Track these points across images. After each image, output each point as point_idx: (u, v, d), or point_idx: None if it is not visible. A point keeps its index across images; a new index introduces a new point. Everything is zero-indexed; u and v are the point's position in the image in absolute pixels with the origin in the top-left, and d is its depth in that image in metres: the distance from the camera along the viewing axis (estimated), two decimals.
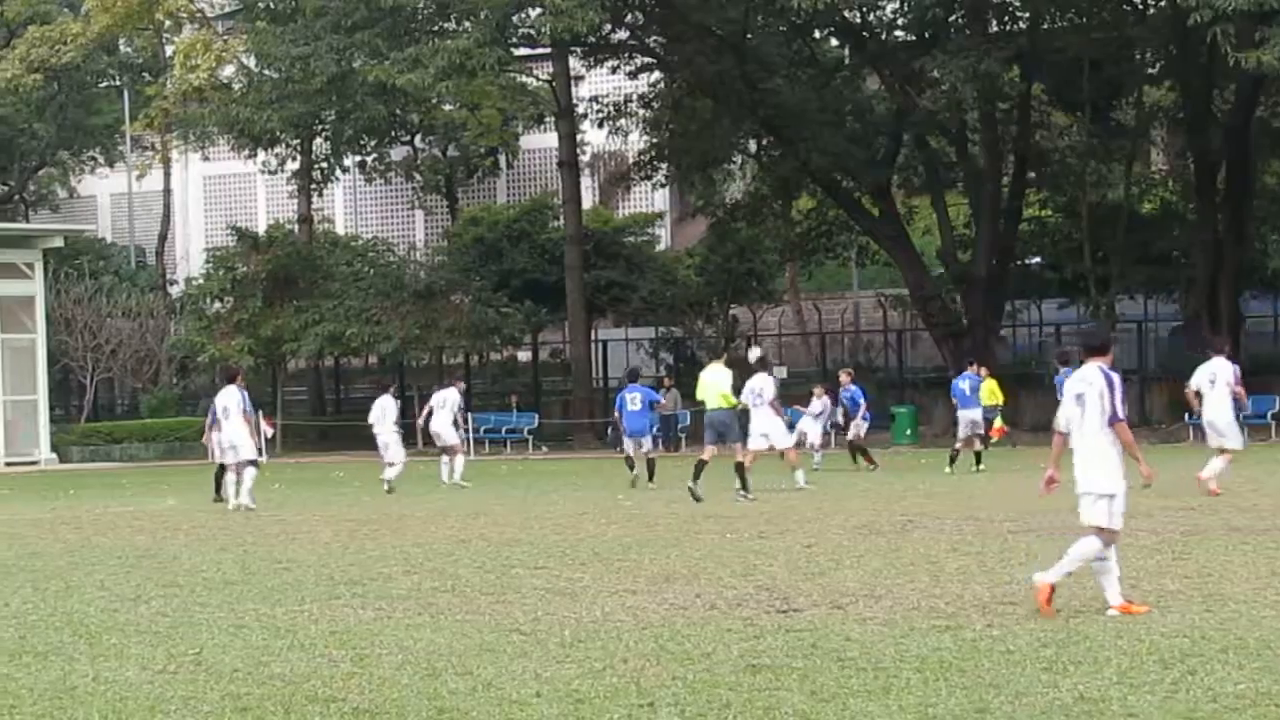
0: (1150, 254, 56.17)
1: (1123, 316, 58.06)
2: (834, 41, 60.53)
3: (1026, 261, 59.54)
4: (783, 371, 50.82)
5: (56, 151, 76.86)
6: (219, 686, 11.61)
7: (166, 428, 59.83)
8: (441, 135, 71.11)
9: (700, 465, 29.20)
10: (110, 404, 69.82)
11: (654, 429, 55.64)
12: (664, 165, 62.44)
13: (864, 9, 54.90)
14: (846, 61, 59.88)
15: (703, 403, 30.43)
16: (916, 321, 60.89)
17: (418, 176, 73.06)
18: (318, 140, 65.64)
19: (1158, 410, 53.89)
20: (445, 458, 37.11)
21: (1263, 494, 25.36)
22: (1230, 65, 46.47)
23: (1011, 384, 57.19)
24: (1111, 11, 54.07)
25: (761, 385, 30.91)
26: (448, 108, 65.41)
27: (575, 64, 62.70)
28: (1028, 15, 54.61)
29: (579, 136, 63.73)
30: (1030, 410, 56.77)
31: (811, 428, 39.22)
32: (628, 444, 35.05)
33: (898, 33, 57.08)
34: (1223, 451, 26.46)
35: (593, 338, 63.93)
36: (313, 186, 68.01)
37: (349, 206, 79.55)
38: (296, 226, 67.19)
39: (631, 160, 64.34)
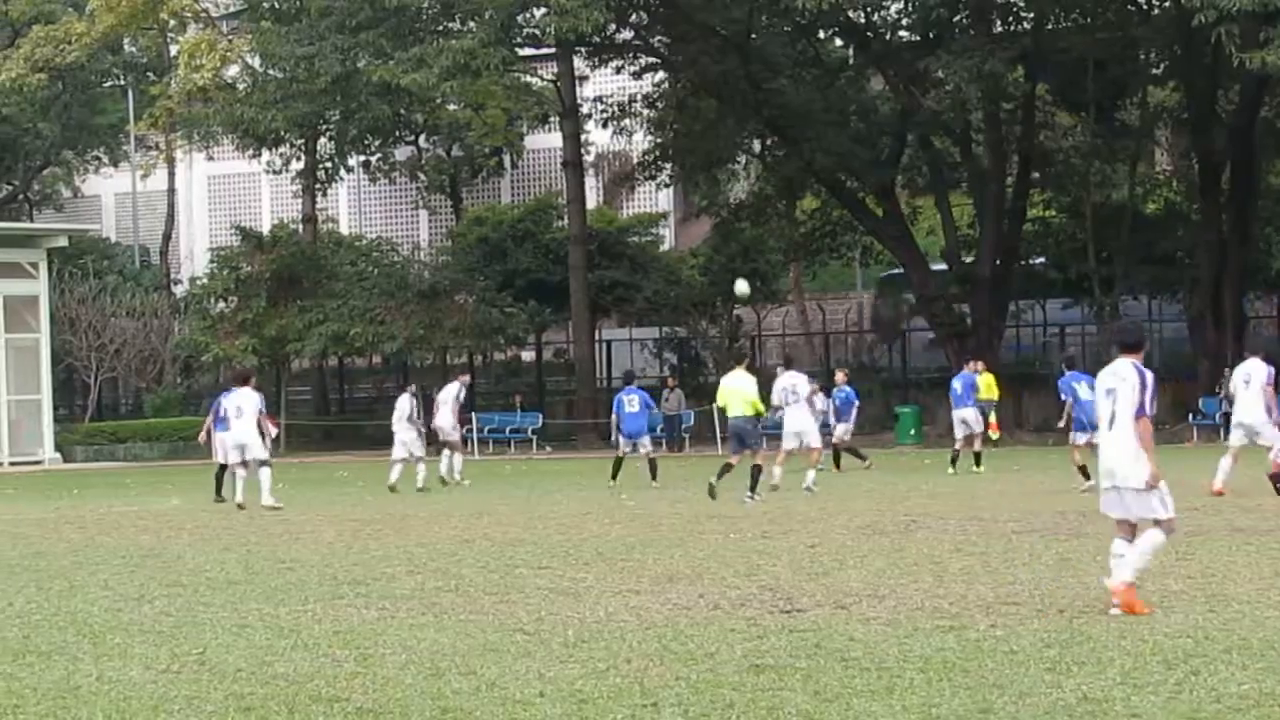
0: (1154, 254, 56.15)
1: (1126, 317, 58.01)
2: (838, 42, 60.53)
3: (1030, 261, 59.52)
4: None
5: (61, 151, 76.87)
6: (223, 686, 11.61)
7: (170, 427, 59.85)
8: (446, 135, 71.09)
9: (726, 468, 29.17)
10: (114, 403, 69.84)
11: (658, 429, 56.08)
12: (668, 165, 62.43)
13: (868, 9, 54.89)
14: (851, 62, 59.89)
15: (723, 409, 30.09)
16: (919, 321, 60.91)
17: (422, 176, 73.04)
18: (322, 140, 65.66)
19: (1161, 410, 53.80)
20: (446, 451, 37.10)
21: (1266, 494, 25.33)
22: (1235, 65, 46.48)
23: (1015, 384, 57.27)
24: (1116, 12, 54.07)
25: (795, 383, 31.22)
26: (452, 107, 65.39)
27: (580, 64, 62.68)
28: (1032, 15, 54.61)
29: (583, 136, 63.76)
30: (1033, 410, 56.80)
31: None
32: (624, 445, 35.01)
33: (902, 33, 57.07)
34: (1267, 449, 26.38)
35: (597, 338, 63.95)
36: (317, 186, 68.01)
37: (353, 206, 79.55)
38: (301, 226, 67.20)
39: (636, 160, 64.35)
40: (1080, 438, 28.90)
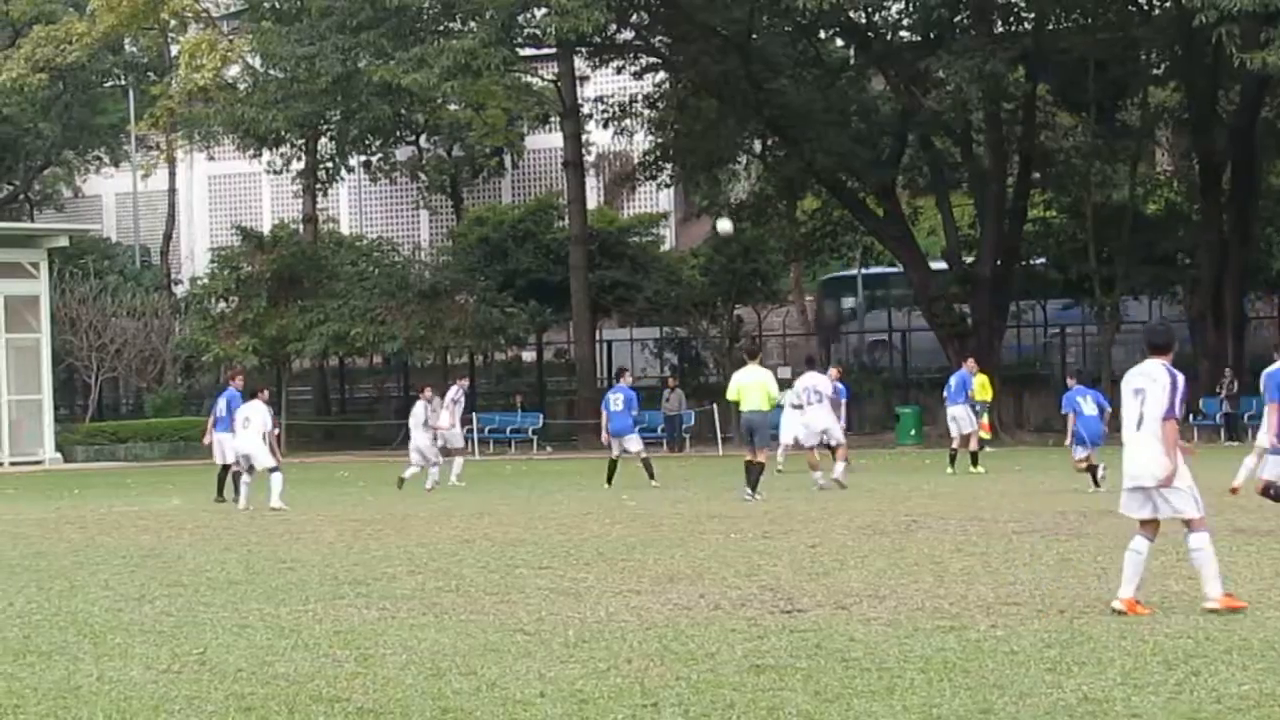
0: (1155, 255, 56.16)
1: (1127, 317, 58.03)
2: (839, 42, 60.56)
3: (1031, 262, 59.54)
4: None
5: (61, 151, 76.89)
6: (223, 686, 11.61)
7: (171, 427, 59.86)
8: (446, 135, 71.12)
9: (751, 466, 29.16)
10: (115, 403, 69.86)
11: (658, 429, 56.09)
12: (669, 165, 62.44)
13: (869, 9, 54.89)
14: (852, 62, 59.93)
15: (736, 403, 30.09)
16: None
17: (423, 176, 73.07)
18: (323, 140, 65.68)
19: None
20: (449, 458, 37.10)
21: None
22: (1235, 66, 46.50)
23: (1015, 384, 57.32)
24: (1117, 12, 54.10)
25: (816, 383, 31.62)
26: (453, 107, 65.41)
27: (580, 64, 62.71)
28: (1033, 16, 54.64)
29: (584, 136, 63.78)
30: (1034, 411, 56.88)
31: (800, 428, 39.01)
32: (614, 445, 34.97)
33: (903, 33, 57.08)
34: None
35: (597, 338, 63.97)
36: (318, 186, 68.04)
37: (354, 206, 79.58)
38: (301, 226, 67.23)
39: (636, 160, 64.36)
40: (1080, 452, 28.94)
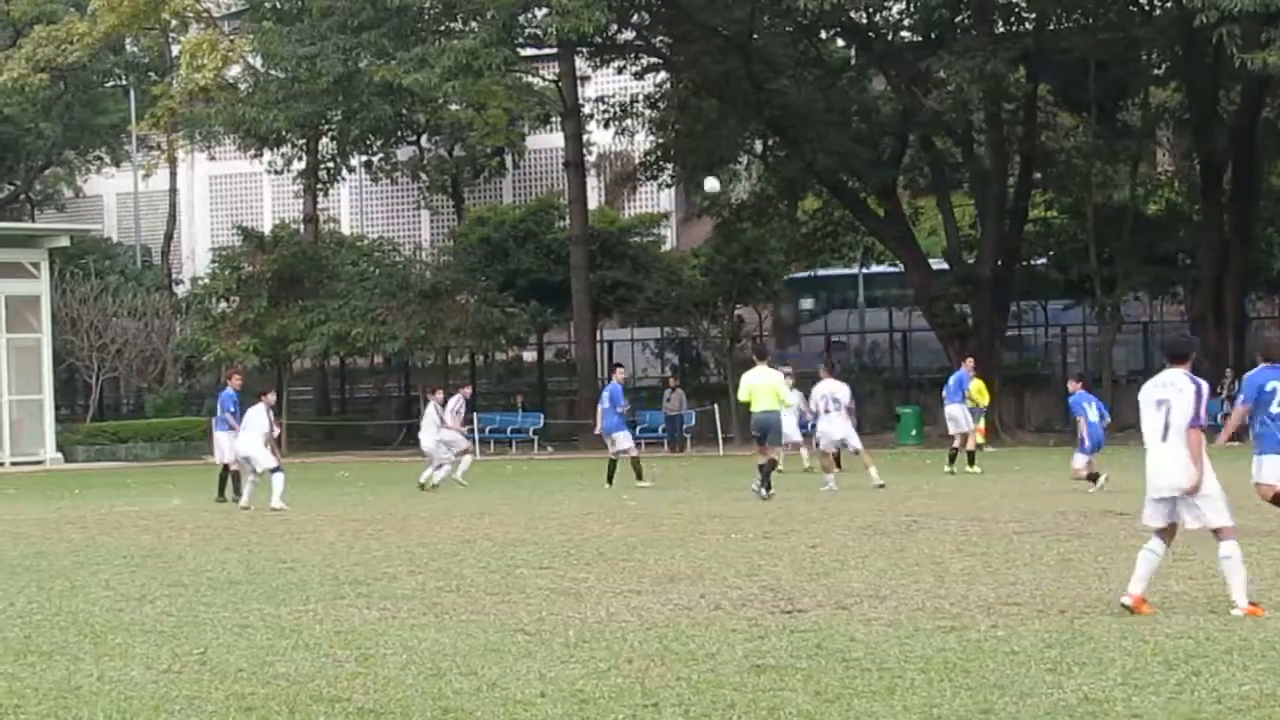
0: (1155, 255, 56.14)
1: (1127, 318, 58.05)
2: (840, 42, 60.56)
3: (1032, 262, 59.54)
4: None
5: (62, 151, 76.87)
6: (224, 686, 11.61)
7: (172, 427, 59.85)
8: (447, 135, 71.10)
9: (771, 465, 29.18)
10: (115, 404, 69.87)
11: (658, 429, 56.11)
12: (670, 165, 62.42)
13: (870, 9, 54.88)
14: (852, 62, 59.92)
15: (747, 404, 30.10)
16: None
17: (424, 176, 73.05)
18: (324, 140, 65.65)
19: None
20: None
21: None
22: (1236, 66, 46.49)
23: (1016, 385, 57.32)
24: (1118, 12, 54.09)
25: (834, 390, 31.95)
26: (454, 108, 65.39)
27: (581, 64, 62.69)
28: (1034, 16, 54.63)
29: (585, 137, 63.77)
30: (1034, 411, 56.89)
31: (794, 428, 38.97)
32: (608, 444, 35.03)
33: (904, 33, 57.07)
34: None
35: (598, 338, 63.97)
36: (319, 186, 68.02)
37: (355, 206, 79.57)
38: (302, 226, 67.23)
39: (637, 160, 64.35)
40: (1080, 460, 28.93)
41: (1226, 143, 54.60)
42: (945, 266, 58.28)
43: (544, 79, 64.93)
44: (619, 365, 39.76)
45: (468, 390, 41.46)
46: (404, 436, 62.22)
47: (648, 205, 73.46)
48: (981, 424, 41.30)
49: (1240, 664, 11.53)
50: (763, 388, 29.49)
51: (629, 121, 62.10)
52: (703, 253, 64.03)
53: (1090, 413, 29.09)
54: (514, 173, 76.61)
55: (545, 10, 52.10)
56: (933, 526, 22.45)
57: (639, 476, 34.00)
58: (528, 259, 63.19)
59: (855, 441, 32.80)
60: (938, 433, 50.59)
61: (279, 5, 57.85)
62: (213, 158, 76.47)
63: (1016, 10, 55.47)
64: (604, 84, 66.13)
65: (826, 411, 32.35)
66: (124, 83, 75.79)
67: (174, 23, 68.39)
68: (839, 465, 34.69)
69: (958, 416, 37.15)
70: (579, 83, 62.82)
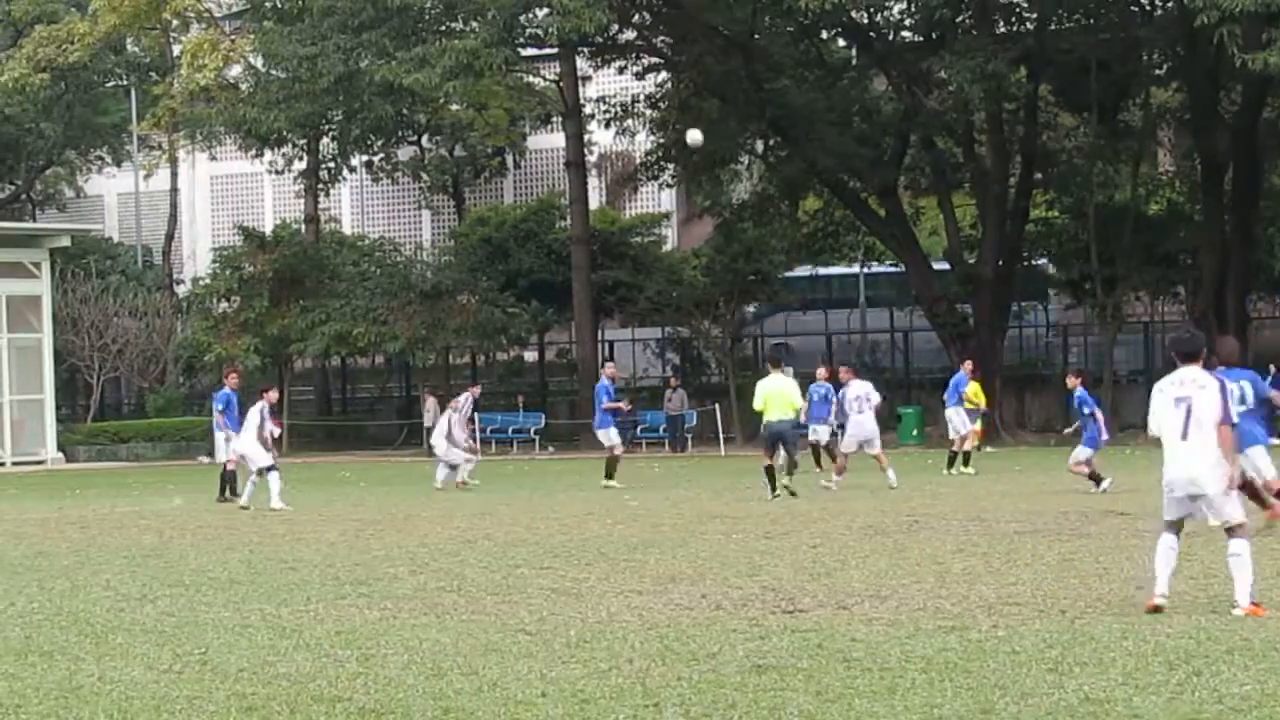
0: (1157, 255, 56.11)
1: (1129, 318, 58.02)
2: (841, 42, 60.53)
3: (1033, 262, 59.52)
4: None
5: (63, 151, 76.86)
6: (225, 686, 11.61)
7: (173, 427, 59.88)
8: (448, 135, 71.08)
9: (771, 471, 29.18)
10: (116, 403, 69.87)
11: (661, 428, 56.10)
12: (671, 165, 62.39)
13: (871, 10, 54.87)
14: (853, 62, 59.89)
15: (761, 412, 30.00)
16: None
17: (424, 176, 73.01)
18: (325, 140, 65.60)
19: None
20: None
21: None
22: (1237, 66, 46.47)
23: (1017, 385, 57.29)
24: (1119, 12, 54.09)
25: (866, 391, 32.18)
26: (455, 107, 65.37)
27: (582, 64, 62.66)
28: (1035, 16, 54.63)
29: (586, 137, 63.74)
30: (1035, 411, 56.84)
31: None
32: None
33: (905, 33, 57.07)
34: None
35: (599, 338, 63.93)
36: (319, 186, 68.00)
37: (356, 206, 79.54)
38: (303, 226, 67.21)
39: (638, 160, 64.32)
40: (1085, 454, 28.88)
41: (1228, 143, 54.57)
42: (946, 266, 58.27)
43: (545, 79, 64.91)
44: (608, 362, 39.71)
45: (477, 389, 41.42)
46: (405, 436, 62.28)
47: (649, 205, 73.45)
48: (978, 426, 41.28)
49: (1241, 664, 11.52)
50: (777, 395, 29.50)
51: (630, 121, 62.09)
52: (704, 253, 64.02)
53: (1097, 411, 29.22)
54: (515, 173, 76.58)
55: (546, 10, 52.08)
56: (934, 526, 22.45)
57: (608, 475, 34.02)
58: (529, 259, 63.19)
59: (878, 443, 33.14)
60: (939, 433, 50.65)
61: (280, 5, 57.83)
62: (214, 158, 76.41)
63: (1017, 10, 55.45)
64: (605, 84, 66.10)
65: (860, 411, 32.57)
66: (125, 83, 75.76)
67: (175, 22, 68.40)
68: (819, 465, 34.69)
69: (953, 419, 37.38)
70: (580, 83, 62.80)
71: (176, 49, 69.47)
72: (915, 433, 53.30)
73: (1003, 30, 54.54)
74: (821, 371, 38.46)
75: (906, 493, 29.87)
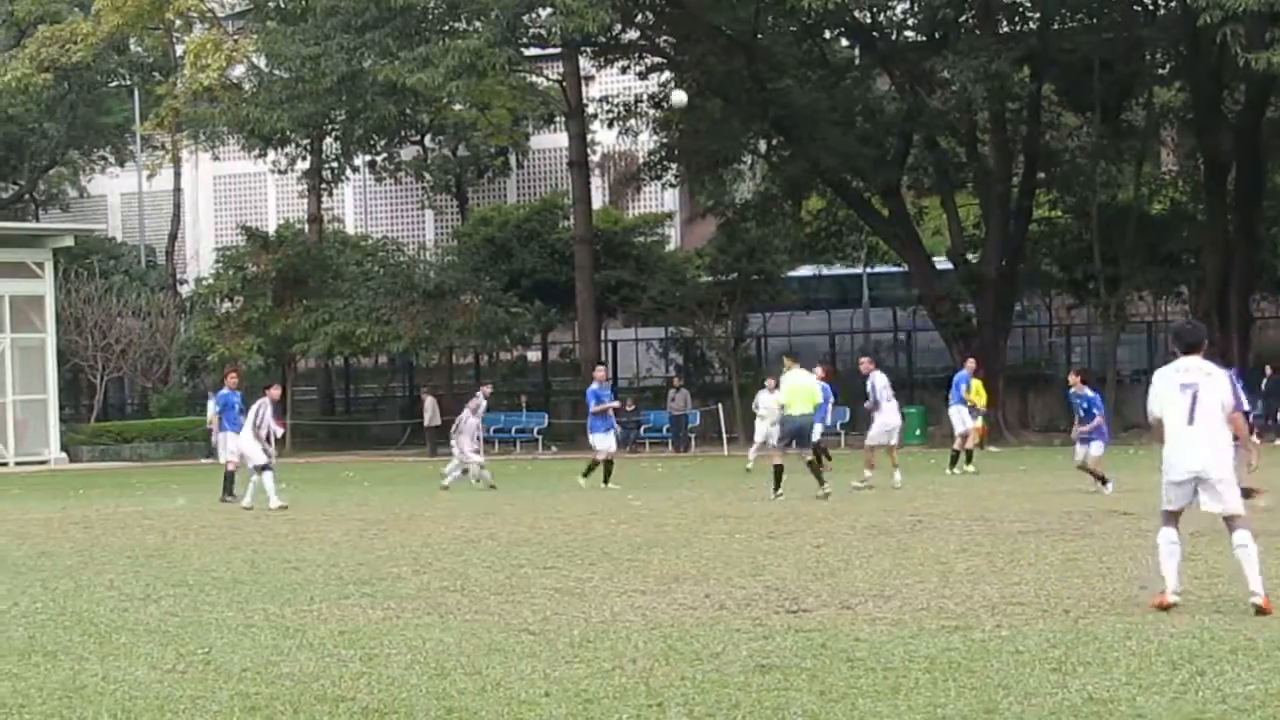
0: (1160, 255, 56.16)
1: (1132, 318, 58.01)
2: (844, 42, 60.58)
3: (1036, 260, 59.56)
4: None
5: (67, 151, 76.91)
6: (228, 686, 11.61)
7: (176, 427, 59.90)
8: (451, 135, 71.13)
9: (780, 471, 29.11)
10: (120, 403, 69.93)
11: (664, 429, 56.08)
12: (674, 165, 62.44)
13: (874, 9, 54.89)
14: (856, 62, 59.91)
15: (785, 405, 29.89)
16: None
17: (428, 176, 73.07)
18: (328, 140, 65.68)
19: None
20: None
21: (1273, 495, 25.27)
22: (1240, 66, 46.50)
23: (1020, 385, 57.30)
24: (1121, 12, 54.10)
25: (888, 382, 32.37)
26: (458, 107, 65.42)
27: (585, 64, 62.72)
28: (1038, 15, 54.66)
29: (589, 136, 63.77)
30: (1038, 411, 56.84)
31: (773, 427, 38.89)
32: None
33: (908, 33, 57.11)
34: None
35: (602, 338, 63.97)
36: (323, 186, 68.05)
37: (359, 206, 79.60)
38: (306, 226, 67.26)
39: (641, 160, 64.36)
40: (1100, 448, 28.92)
41: (1231, 142, 54.59)
42: (949, 266, 58.29)
43: (548, 79, 64.95)
44: (599, 365, 39.55)
45: (487, 388, 41.38)
46: (408, 436, 62.30)
47: (652, 205, 73.48)
48: (979, 423, 41.25)
49: (1245, 663, 11.52)
50: (800, 390, 29.57)
51: (633, 121, 62.12)
52: (707, 252, 64.05)
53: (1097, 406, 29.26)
54: (518, 172, 76.64)
55: (549, 10, 52.09)
56: (937, 526, 22.45)
57: (584, 474, 33.97)
58: (532, 259, 63.21)
59: (896, 437, 33.47)
60: (941, 433, 50.66)
61: (283, 5, 57.90)
62: (217, 158, 76.49)
63: (1020, 10, 55.47)
64: (608, 84, 66.14)
65: (890, 400, 32.79)
66: (128, 82, 75.81)
67: (178, 22, 68.48)
68: (829, 458, 34.69)
69: (954, 418, 37.42)
70: (583, 82, 62.85)
71: (179, 49, 69.54)
72: (918, 432, 53.30)
73: (1006, 30, 54.57)
74: (818, 371, 38.34)
75: (910, 492, 29.86)
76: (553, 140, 71.51)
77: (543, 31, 54.55)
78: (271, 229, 66.67)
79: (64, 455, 56.31)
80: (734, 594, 15.76)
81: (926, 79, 54.86)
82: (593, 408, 34.92)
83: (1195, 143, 57.86)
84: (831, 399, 38.59)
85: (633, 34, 59.01)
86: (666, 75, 61.18)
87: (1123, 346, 57.41)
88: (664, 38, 59.35)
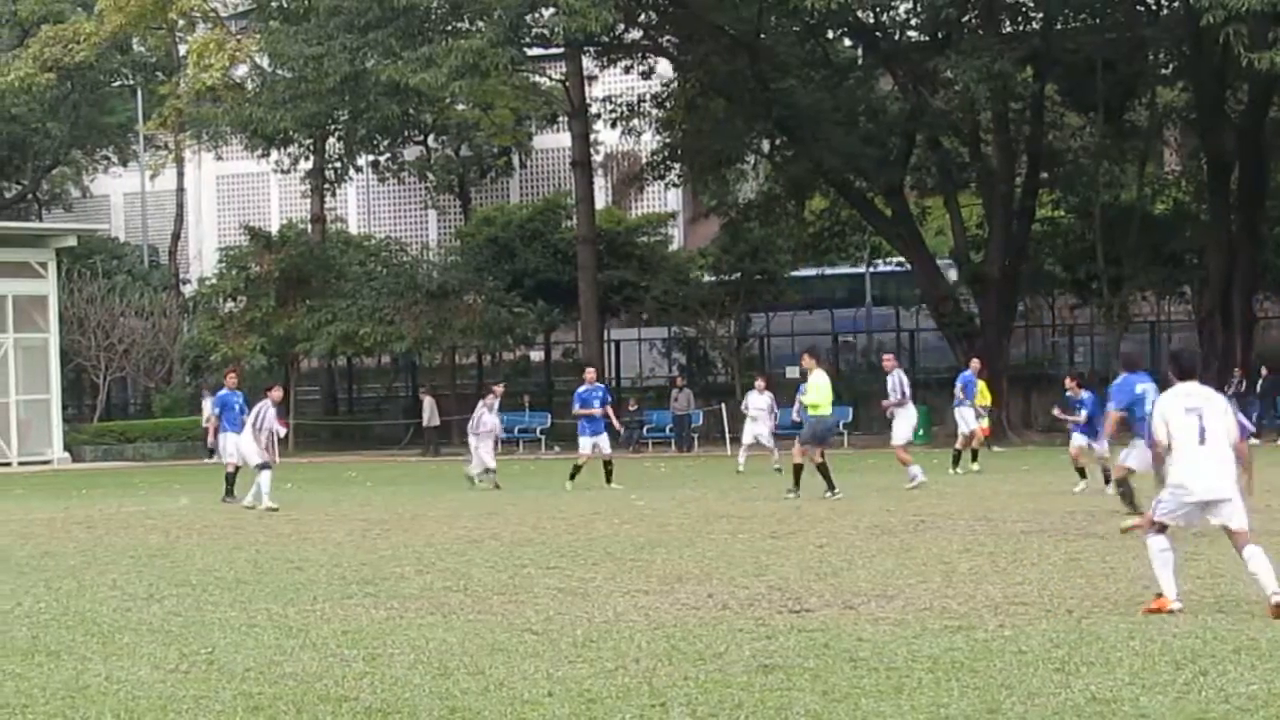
0: (1163, 254, 56.16)
1: (1135, 318, 57.99)
2: (847, 42, 60.56)
3: (1039, 261, 59.58)
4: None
5: (70, 151, 76.96)
6: (231, 686, 11.62)
7: (179, 427, 59.91)
8: (455, 135, 71.15)
9: (825, 467, 29.07)
10: (123, 403, 69.94)
11: (667, 429, 56.08)
12: (677, 165, 62.44)
13: (877, 9, 54.88)
14: (859, 62, 59.90)
15: (815, 407, 29.76)
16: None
17: (431, 176, 73.10)
18: (331, 140, 65.70)
19: None
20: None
21: (1275, 495, 25.28)
22: (1243, 66, 46.46)
23: (1023, 384, 57.28)
24: (1125, 12, 54.07)
25: (906, 382, 32.52)
26: (461, 107, 65.44)
27: (588, 64, 62.73)
28: (1041, 15, 54.66)
29: (592, 136, 63.77)
30: (1041, 411, 56.73)
31: (763, 428, 38.85)
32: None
33: (911, 33, 57.09)
34: None
35: (605, 338, 63.96)
36: (326, 186, 68.07)
37: (362, 206, 79.64)
38: (309, 226, 67.28)
39: (644, 160, 64.36)
40: (1104, 446, 28.61)
41: (1234, 142, 54.59)
42: (953, 266, 58.29)
43: (551, 79, 64.97)
44: (588, 367, 39.42)
45: (500, 388, 41.22)
46: (411, 436, 62.30)
47: (655, 205, 73.51)
48: (984, 424, 41.28)
49: (1248, 663, 11.52)
50: (827, 389, 29.63)
51: (636, 121, 62.12)
52: (710, 252, 64.08)
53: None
54: (521, 172, 76.69)
55: (552, 10, 52.08)
56: (940, 526, 22.44)
57: (570, 477, 33.94)
58: (535, 259, 63.23)
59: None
60: (945, 433, 50.63)
61: (286, 5, 57.86)
62: (220, 157, 76.54)
63: (1023, 10, 55.46)
64: (611, 84, 66.14)
65: (909, 398, 32.94)
66: (131, 82, 75.86)
67: (181, 22, 68.51)
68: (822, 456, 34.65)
69: (957, 417, 37.51)
70: (586, 82, 62.85)
71: (182, 49, 69.61)
72: (921, 432, 53.17)
73: (1009, 30, 54.56)
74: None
75: (913, 492, 29.85)
76: (556, 140, 71.54)
77: (546, 31, 54.55)
78: (274, 229, 66.67)
79: (67, 455, 56.31)
80: (737, 594, 15.76)
81: (929, 79, 54.85)
82: (575, 409, 34.88)
83: (1198, 143, 57.86)
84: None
85: (636, 34, 59.01)
86: (670, 75, 61.18)
87: (1125, 346, 57.36)
88: (667, 38, 59.37)
